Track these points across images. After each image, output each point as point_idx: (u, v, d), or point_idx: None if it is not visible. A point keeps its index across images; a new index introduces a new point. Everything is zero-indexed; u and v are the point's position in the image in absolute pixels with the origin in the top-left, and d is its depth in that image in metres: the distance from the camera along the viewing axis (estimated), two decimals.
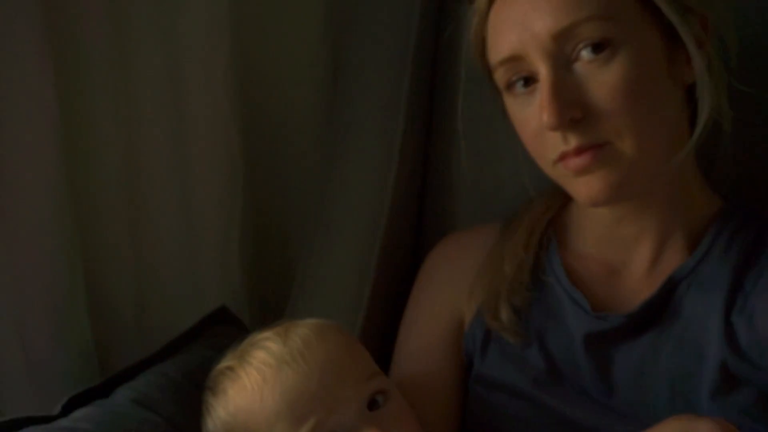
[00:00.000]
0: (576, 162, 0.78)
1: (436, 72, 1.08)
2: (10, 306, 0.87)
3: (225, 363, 0.82)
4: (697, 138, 0.79)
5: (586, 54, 0.76)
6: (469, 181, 1.03)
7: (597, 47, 0.76)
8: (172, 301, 1.02)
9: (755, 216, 0.86)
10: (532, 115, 0.79)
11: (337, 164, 1.07)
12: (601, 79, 0.76)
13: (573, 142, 0.77)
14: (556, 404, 0.82)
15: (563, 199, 0.90)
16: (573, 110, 0.76)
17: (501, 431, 0.84)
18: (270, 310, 1.13)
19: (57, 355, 0.90)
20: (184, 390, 0.84)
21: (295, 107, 1.15)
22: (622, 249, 0.86)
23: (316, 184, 1.11)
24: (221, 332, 0.93)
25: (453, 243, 0.97)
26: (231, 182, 1.07)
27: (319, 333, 0.80)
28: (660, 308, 0.82)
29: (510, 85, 0.81)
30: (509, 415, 0.84)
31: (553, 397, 0.83)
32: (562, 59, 0.77)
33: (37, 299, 0.89)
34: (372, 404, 0.78)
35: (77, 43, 0.94)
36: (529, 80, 0.79)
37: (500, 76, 0.81)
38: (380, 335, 0.98)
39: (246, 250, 1.10)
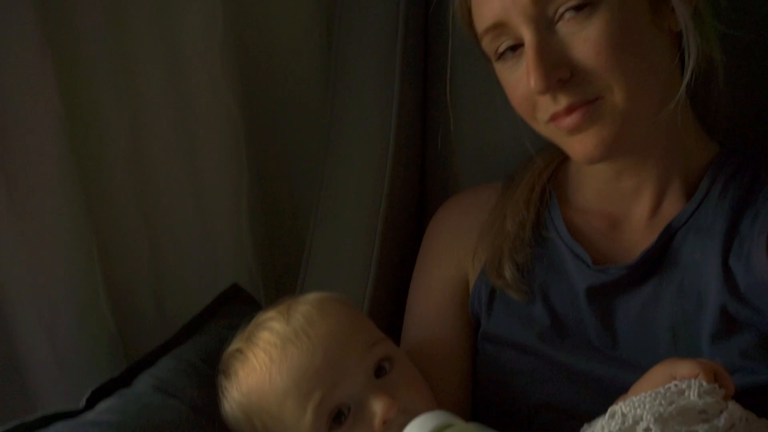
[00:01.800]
0: (567, 121, 0.78)
1: (428, 40, 1.07)
2: (36, 303, 0.91)
3: (234, 345, 0.84)
4: (686, 86, 0.79)
5: (567, 14, 0.76)
6: (469, 146, 1.03)
7: (578, 8, 0.76)
8: (189, 288, 1.06)
9: (751, 159, 0.86)
10: (520, 79, 0.80)
11: (336, 135, 1.08)
12: (584, 36, 0.76)
13: (563, 101, 0.77)
14: (562, 357, 0.84)
15: (563, 155, 0.90)
16: (560, 71, 0.76)
17: (510, 386, 0.86)
18: (286, 287, 1.15)
19: (83, 346, 0.94)
20: (203, 373, 0.86)
21: (294, 81, 1.17)
22: (622, 202, 0.87)
23: (321, 156, 1.12)
24: (235, 310, 0.96)
25: (455, 205, 0.98)
26: (237, 163, 1.09)
27: (320, 308, 0.81)
28: (659, 257, 0.83)
29: (498, 53, 0.81)
30: (517, 370, 0.86)
31: (559, 351, 0.84)
32: (544, 22, 0.77)
33: (58, 295, 0.93)
34: (379, 371, 0.79)
35: (75, 33, 0.95)
36: (516, 46, 0.80)
37: (487, 44, 0.82)
38: (390, 302, 1.00)
39: (257, 230, 1.12)
